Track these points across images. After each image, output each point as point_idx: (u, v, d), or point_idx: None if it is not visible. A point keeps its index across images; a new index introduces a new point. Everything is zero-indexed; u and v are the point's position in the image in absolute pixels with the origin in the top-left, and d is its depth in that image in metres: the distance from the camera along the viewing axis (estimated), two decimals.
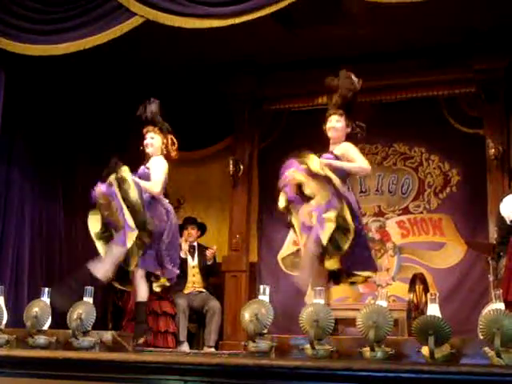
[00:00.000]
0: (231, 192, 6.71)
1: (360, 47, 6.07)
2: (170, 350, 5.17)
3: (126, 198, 4.47)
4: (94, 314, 3.76)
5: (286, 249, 6.37)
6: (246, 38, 5.66)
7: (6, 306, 4.06)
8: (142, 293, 4.67)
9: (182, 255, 5.85)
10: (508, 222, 4.49)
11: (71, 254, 6.16)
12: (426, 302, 3.83)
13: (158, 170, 4.73)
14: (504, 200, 4.61)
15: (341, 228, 4.09)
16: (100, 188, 4.55)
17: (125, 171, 4.53)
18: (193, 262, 6.00)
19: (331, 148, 4.48)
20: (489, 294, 5.11)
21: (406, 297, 5.34)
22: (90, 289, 3.89)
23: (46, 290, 3.99)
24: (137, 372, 3.32)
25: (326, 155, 4.41)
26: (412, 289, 5.32)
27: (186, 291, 5.79)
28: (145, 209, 4.51)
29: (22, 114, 5.76)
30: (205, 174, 6.95)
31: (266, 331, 3.35)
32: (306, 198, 4.30)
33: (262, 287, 3.49)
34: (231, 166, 6.58)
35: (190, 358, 3.62)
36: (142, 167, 4.81)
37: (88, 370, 3.45)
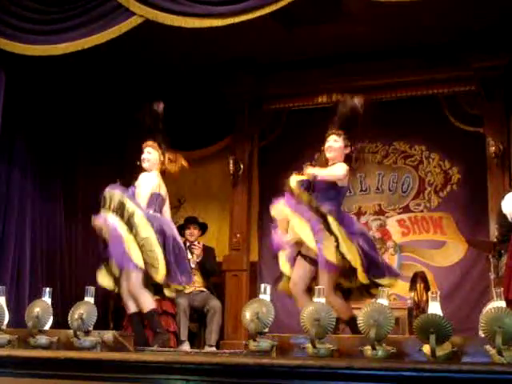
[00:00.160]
0: (231, 191, 6.71)
1: (359, 46, 6.07)
2: (171, 349, 5.17)
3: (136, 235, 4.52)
4: (96, 314, 3.76)
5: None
6: (246, 38, 5.66)
7: (8, 306, 4.05)
8: (130, 307, 4.69)
9: (195, 260, 5.89)
10: (510, 220, 4.49)
11: (72, 254, 6.17)
12: (427, 301, 3.83)
13: (143, 188, 4.76)
14: (506, 197, 4.61)
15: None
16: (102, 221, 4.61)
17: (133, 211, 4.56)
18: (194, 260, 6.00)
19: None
20: (490, 292, 5.10)
21: (407, 295, 5.33)
22: (91, 289, 3.89)
23: (47, 289, 3.98)
24: (138, 371, 3.32)
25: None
26: (413, 287, 5.32)
27: (186, 290, 5.78)
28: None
29: (22, 114, 5.76)
30: (205, 173, 6.95)
31: (266, 330, 3.35)
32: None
33: (262, 286, 3.49)
34: (231, 165, 6.58)
35: (191, 357, 3.62)
36: (131, 187, 4.82)
37: (89, 369, 3.45)
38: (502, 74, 5.91)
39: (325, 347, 3.18)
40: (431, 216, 6.29)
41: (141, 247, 4.54)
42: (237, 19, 4.68)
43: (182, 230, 6.15)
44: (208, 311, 5.76)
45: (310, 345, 3.18)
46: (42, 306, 3.86)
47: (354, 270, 4.21)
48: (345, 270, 4.23)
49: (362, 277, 4.20)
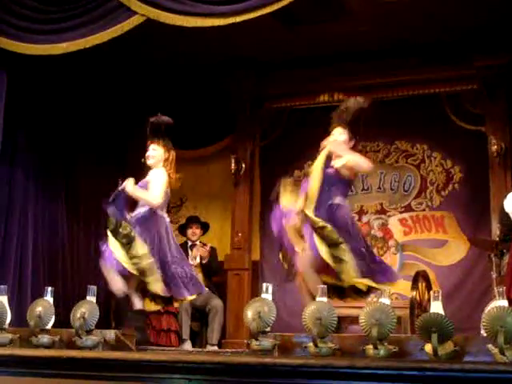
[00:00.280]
0: (233, 190, 6.71)
1: (361, 45, 6.06)
2: (173, 348, 5.17)
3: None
4: (98, 313, 3.76)
5: None
6: (247, 37, 5.66)
7: (10, 305, 4.05)
8: (136, 303, 4.60)
9: (191, 262, 5.87)
10: None
11: (73, 254, 6.18)
12: (429, 300, 3.83)
13: (157, 181, 4.62)
14: (508, 196, 4.61)
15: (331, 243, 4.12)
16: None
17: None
18: (195, 262, 6.00)
19: (333, 162, 4.38)
20: (492, 291, 5.10)
21: (409, 294, 5.33)
22: (92, 288, 3.90)
23: (49, 289, 3.98)
24: (140, 371, 3.32)
25: (327, 170, 4.36)
26: (415, 286, 5.32)
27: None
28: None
29: (24, 115, 5.77)
30: (206, 172, 6.95)
31: (268, 329, 3.35)
32: None
33: (264, 285, 3.49)
34: (233, 164, 6.58)
35: (193, 356, 3.62)
36: (143, 180, 4.72)
37: (91, 368, 3.45)
38: (505, 72, 5.90)
39: (327, 346, 3.18)
40: (433, 215, 6.28)
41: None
42: (238, 18, 4.68)
43: (183, 229, 6.16)
44: (210, 310, 5.76)
45: (311, 344, 3.18)
46: (44, 305, 3.86)
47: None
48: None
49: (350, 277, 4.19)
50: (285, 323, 4.98)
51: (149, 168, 4.79)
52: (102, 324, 4.13)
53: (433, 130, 6.35)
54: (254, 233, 6.65)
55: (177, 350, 4.92)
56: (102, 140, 6.53)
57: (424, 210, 6.32)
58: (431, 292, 3.32)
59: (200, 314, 5.86)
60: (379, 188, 6.49)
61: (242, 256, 6.53)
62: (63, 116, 6.17)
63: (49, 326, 3.89)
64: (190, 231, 6.09)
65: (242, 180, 6.66)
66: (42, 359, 3.58)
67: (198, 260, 5.96)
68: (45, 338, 3.80)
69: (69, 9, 5.14)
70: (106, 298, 5.81)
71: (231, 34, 5.31)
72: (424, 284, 5.41)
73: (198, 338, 5.91)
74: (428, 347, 2.98)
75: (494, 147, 5.84)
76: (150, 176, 4.70)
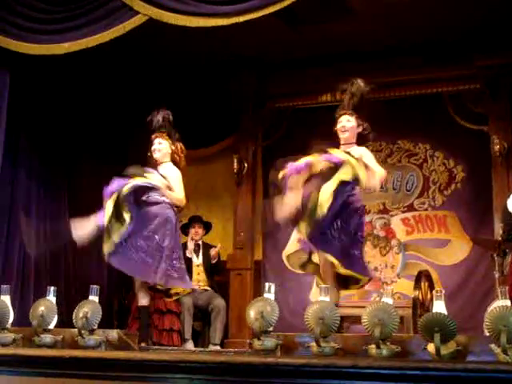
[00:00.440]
0: (235, 190, 6.72)
1: (363, 44, 6.06)
2: (176, 348, 5.18)
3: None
4: (100, 313, 3.77)
5: (291, 246, 6.36)
6: (250, 37, 5.66)
7: (12, 305, 4.06)
8: (141, 299, 4.66)
9: (188, 254, 5.86)
10: None
11: (76, 253, 6.17)
12: (432, 299, 3.82)
13: (177, 180, 4.67)
14: (511, 196, 4.60)
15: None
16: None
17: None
18: (197, 261, 6.01)
19: (342, 149, 4.37)
20: (494, 290, 5.10)
21: (412, 294, 5.33)
22: (95, 288, 3.90)
23: (52, 288, 4.00)
24: (143, 370, 3.33)
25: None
26: (417, 286, 5.31)
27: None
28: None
29: (27, 114, 5.78)
30: (209, 172, 6.96)
31: (271, 329, 3.35)
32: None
33: (267, 285, 3.49)
34: (235, 164, 6.59)
35: (195, 356, 3.62)
36: (156, 173, 4.71)
37: (94, 368, 3.45)
38: (507, 72, 5.90)
39: (329, 346, 3.18)
40: (435, 214, 6.28)
41: None
42: (241, 18, 4.68)
43: (186, 228, 6.15)
44: (212, 310, 5.76)
45: (314, 343, 3.18)
46: (47, 304, 3.87)
47: None
48: None
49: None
50: (287, 323, 4.98)
51: (154, 162, 4.78)
52: (105, 324, 4.13)
53: (435, 130, 6.35)
54: (256, 232, 6.65)
55: (179, 350, 4.92)
56: (104, 140, 6.54)
57: (426, 209, 6.32)
58: (434, 292, 3.31)
59: (202, 314, 5.86)
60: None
61: (244, 255, 6.53)
62: (65, 116, 6.18)
63: (51, 326, 3.90)
64: (192, 231, 6.09)
65: (244, 180, 6.67)
66: (45, 359, 3.58)
67: (213, 261, 5.99)
68: (47, 338, 3.81)
69: (72, 8, 5.15)
70: (108, 297, 5.84)
71: (234, 34, 5.31)
72: (427, 284, 5.40)
73: (201, 338, 5.91)
74: (431, 347, 2.98)
75: (497, 147, 5.84)
76: (166, 172, 4.71)
